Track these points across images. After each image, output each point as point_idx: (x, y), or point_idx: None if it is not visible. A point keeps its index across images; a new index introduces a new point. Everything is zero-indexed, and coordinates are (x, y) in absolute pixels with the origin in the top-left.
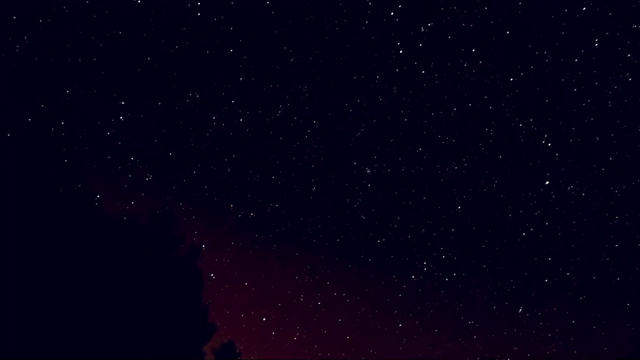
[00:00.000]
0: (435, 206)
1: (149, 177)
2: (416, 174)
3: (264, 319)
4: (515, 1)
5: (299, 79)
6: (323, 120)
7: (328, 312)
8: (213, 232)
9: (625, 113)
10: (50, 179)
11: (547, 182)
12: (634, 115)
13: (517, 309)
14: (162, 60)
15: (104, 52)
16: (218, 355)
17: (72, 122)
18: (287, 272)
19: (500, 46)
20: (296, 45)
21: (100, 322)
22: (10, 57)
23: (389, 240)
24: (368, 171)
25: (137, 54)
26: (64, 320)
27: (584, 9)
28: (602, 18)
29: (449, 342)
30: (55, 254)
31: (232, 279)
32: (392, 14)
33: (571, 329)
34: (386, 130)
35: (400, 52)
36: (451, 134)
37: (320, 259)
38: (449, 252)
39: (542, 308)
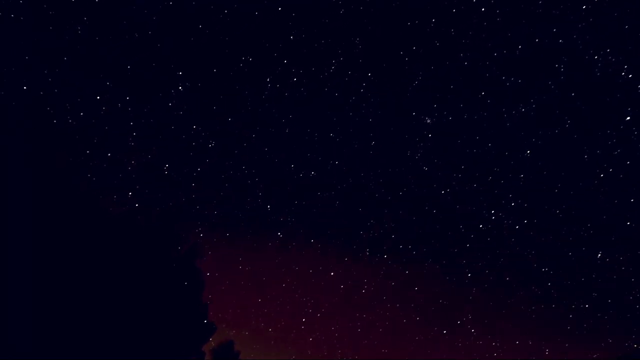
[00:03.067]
0: (502, 152)
1: (211, 144)
2: (480, 119)
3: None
4: None
5: (349, 31)
6: (378, 71)
7: (395, 265)
8: (276, 193)
9: None
10: (53, 177)
11: (628, 118)
12: None
13: (596, 254)
14: (211, 26)
15: (156, 24)
16: (216, 354)
17: (133, 97)
18: (351, 226)
19: None
20: None
21: (101, 321)
22: (70, 42)
23: (453, 190)
24: (428, 121)
25: (187, 22)
26: (64, 319)
27: None
28: None
29: (521, 290)
30: (56, 252)
31: (298, 238)
32: None
33: None
34: (445, 76)
35: None
36: (517, 74)
37: (384, 212)
38: (518, 200)
39: (625, 252)
